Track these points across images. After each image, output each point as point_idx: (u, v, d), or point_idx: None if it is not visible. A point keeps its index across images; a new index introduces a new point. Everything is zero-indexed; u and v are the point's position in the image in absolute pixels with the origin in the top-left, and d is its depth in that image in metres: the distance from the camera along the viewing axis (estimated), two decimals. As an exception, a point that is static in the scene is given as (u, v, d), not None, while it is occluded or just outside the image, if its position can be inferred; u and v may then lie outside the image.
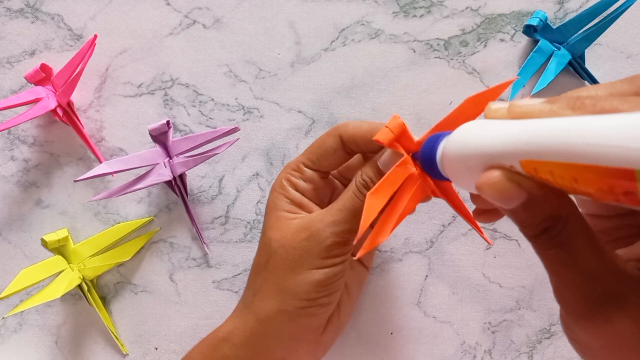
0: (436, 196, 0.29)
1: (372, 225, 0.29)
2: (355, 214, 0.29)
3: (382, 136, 0.26)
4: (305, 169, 0.32)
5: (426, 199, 0.29)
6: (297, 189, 0.32)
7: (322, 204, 0.32)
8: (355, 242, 0.26)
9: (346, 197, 0.29)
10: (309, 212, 0.31)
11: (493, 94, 0.25)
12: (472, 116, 0.25)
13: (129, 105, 0.40)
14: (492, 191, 0.19)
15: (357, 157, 0.33)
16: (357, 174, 0.30)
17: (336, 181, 0.34)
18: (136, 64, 0.40)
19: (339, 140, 0.31)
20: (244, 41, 0.40)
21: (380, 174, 0.29)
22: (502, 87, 0.25)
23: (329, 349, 0.34)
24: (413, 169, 0.26)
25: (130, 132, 0.40)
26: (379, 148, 0.30)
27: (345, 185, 0.34)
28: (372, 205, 0.25)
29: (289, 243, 0.30)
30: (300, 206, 0.31)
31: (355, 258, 0.26)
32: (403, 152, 0.27)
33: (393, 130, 0.26)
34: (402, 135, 0.27)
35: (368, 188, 0.28)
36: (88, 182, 0.40)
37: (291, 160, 0.33)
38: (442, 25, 0.39)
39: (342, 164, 0.32)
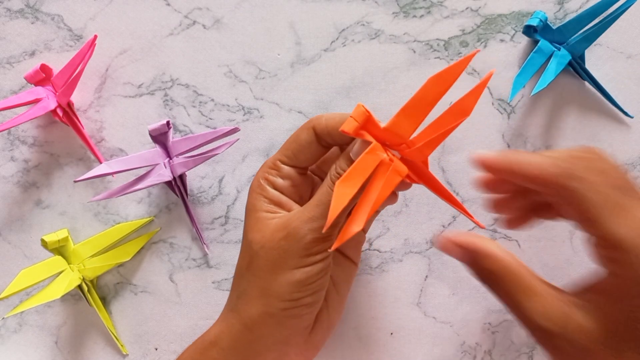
0: (413, 181, 0.28)
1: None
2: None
3: (347, 126, 0.26)
4: (283, 165, 0.31)
5: (404, 185, 0.29)
6: (275, 187, 0.31)
7: (302, 201, 0.32)
8: (323, 231, 0.26)
9: (322, 191, 0.29)
10: (289, 210, 0.31)
11: (455, 71, 0.25)
12: (438, 96, 0.25)
13: (129, 105, 0.40)
14: None
15: (334, 151, 0.32)
16: (332, 167, 0.29)
17: (316, 177, 0.33)
18: (136, 64, 0.40)
19: (313, 133, 0.30)
20: (244, 41, 0.40)
21: None
22: (463, 63, 0.24)
23: (321, 348, 0.34)
24: (384, 155, 0.26)
25: (130, 133, 0.40)
26: (352, 140, 0.29)
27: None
28: (341, 193, 0.25)
29: (269, 244, 0.29)
30: (279, 205, 0.31)
31: (330, 250, 0.26)
32: (371, 139, 0.27)
33: (357, 119, 0.26)
34: (367, 123, 0.27)
35: None
36: (88, 183, 0.40)
37: (267, 159, 0.32)
38: (442, 25, 0.39)
39: (318, 158, 0.32)
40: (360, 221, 0.25)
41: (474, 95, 0.25)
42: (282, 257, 0.29)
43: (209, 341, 0.31)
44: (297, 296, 0.29)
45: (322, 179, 0.33)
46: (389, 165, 0.26)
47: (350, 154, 0.29)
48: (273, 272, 0.29)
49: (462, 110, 0.25)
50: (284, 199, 0.31)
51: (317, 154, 0.31)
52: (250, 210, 0.31)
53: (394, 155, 0.27)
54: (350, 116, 0.26)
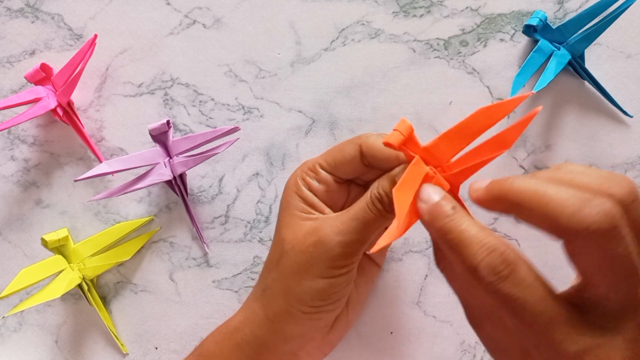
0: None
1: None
2: (366, 225, 0.28)
3: (392, 138, 0.26)
4: (321, 170, 0.32)
5: None
6: (310, 189, 0.31)
7: (335, 207, 0.32)
8: (398, 237, 0.25)
9: (359, 207, 0.29)
10: (322, 212, 0.31)
11: (505, 108, 0.24)
12: (483, 128, 0.25)
13: (129, 105, 0.40)
14: None
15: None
16: (373, 186, 0.29)
17: (353, 186, 0.33)
18: (136, 63, 0.40)
19: (358, 150, 0.30)
20: (244, 41, 0.40)
21: None
22: (515, 102, 0.24)
23: (338, 344, 0.35)
24: (427, 168, 0.26)
25: (130, 132, 0.40)
26: (393, 166, 0.29)
27: (362, 187, 0.34)
28: (401, 198, 0.25)
29: (299, 246, 0.30)
30: (313, 206, 0.31)
31: (370, 252, 0.26)
32: (412, 153, 0.27)
33: (403, 132, 0.26)
34: (409, 138, 0.26)
35: (382, 202, 0.28)
36: (88, 182, 0.40)
37: (309, 159, 0.33)
38: (442, 25, 0.39)
39: (358, 174, 0.32)
40: (403, 227, 0.25)
41: (517, 129, 0.24)
42: (308, 263, 0.29)
43: (234, 327, 0.32)
44: (319, 303, 0.30)
45: (358, 185, 0.33)
46: (432, 178, 0.26)
47: (395, 177, 0.29)
48: (298, 275, 0.30)
49: (502, 142, 0.25)
50: (317, 201, 0.31)
51: (358, 170, 0.31)
52: (284, 207, 0.32)
53: (435, 170, 0.27)
54: (395, 129, 0.26)
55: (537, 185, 0.21)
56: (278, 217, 0.32)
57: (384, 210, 0.28)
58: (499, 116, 0.25)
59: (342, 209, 0.32)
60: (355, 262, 0.30)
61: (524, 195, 0.21)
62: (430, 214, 0.24)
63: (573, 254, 0.21)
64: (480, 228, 0.22)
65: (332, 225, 0.29)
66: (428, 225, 0.24)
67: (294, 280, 0.30)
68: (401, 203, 0.25)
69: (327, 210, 0.31)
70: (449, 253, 0.23)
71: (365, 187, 0.33)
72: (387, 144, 0.26)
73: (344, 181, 0.32)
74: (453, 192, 0.28)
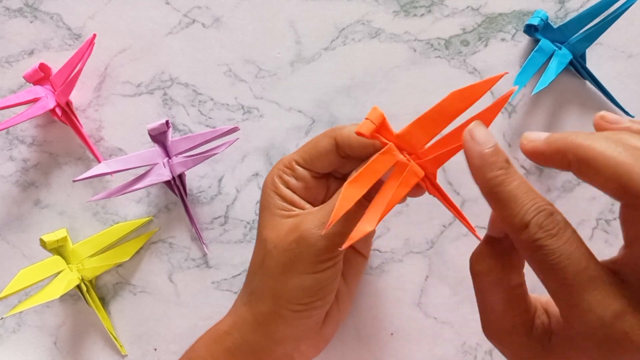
0: (427, 187, 0.27)
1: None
2: (347, 217, 0.28)
3: (363, 127, 0.26)
4: (297, 166, 0.31)
5: (417, 191, 0.28)
6: (288, 187, 0.31)
7: (316, 202, 0.32)
8: (327, 227, 0.25)
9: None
10: (302, 208, 0.31)
11: (478, 89, 0.24)
12: (458, 112, 0.24)
13: (128, 104, 0.40)
14: None
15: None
16: (350, 176, 0.29)
17: (331, 179, 0.33)
18: (135, 63, 0.40)
19: (333, 143, 0.30)
20: (244, 41, 0.40)
21: None
22: (488, 83, 0.24)
23: (331, 339, 0.34)
24: (400, 157, 0.26)
25: (129, 132, 0.40)
26: (371, 154, 0.29)
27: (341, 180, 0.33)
28: (349, 194, 0.25)
29: (281, 244, 0.29)
30: (292, 203, 0.31)
31: (340, 249, 0.25)
32: (386, 141, 0.26)
33: (374, 121, 0.26)
34: (381, 127, 0.26)
35: None
36: (87, 182, 0.40)
37: (284, 156, 0.32)
38: (443, 24, 0.39)
39: (335, 166, 0.31)
40: (372, 220, 0.25)
41: (492, 111, 0.24)
42: (292, 261, 0.29)
43: (223, 331, 0.32)
44: (307, 300, 0.30)
45: (337, 179, 0.33)
46: (406, 166, 0.26)
47: None
48: (284, 274, 0.29)
49: None
50: (296, 198, 0.31)
51: (334, 162, 0.31)
52: (264, 206, 0.31)
53: (409, 157, 0.26)
54: (367, 118, 0.26)
55: (608, 145, 0.20)
56: (259, 218, 0.32)
57: (364, 199, 0.28)
58: (473, 99, 0.24)
59: (322, 203, 0.32)
60: (340, 255, 0.30)
61: (593, 153, 0.21)
62: (482, 160, 0.22)
63: (626, 219, 0.21)
64: (531, 189, 0.22)
65: (312, 220, 0.29)
66: (475, 170, 0.23)
67: (280, 280, 0.29)
68: (347, 198, 0.24)
69: (307, 206, 0.31)
70: (493, 207, 0.22)
71: (343, 179, 0.33)
72: (359, 134, 0.26)
73: (322, 175, 0.32)
74: (429, 178, 0.27)
